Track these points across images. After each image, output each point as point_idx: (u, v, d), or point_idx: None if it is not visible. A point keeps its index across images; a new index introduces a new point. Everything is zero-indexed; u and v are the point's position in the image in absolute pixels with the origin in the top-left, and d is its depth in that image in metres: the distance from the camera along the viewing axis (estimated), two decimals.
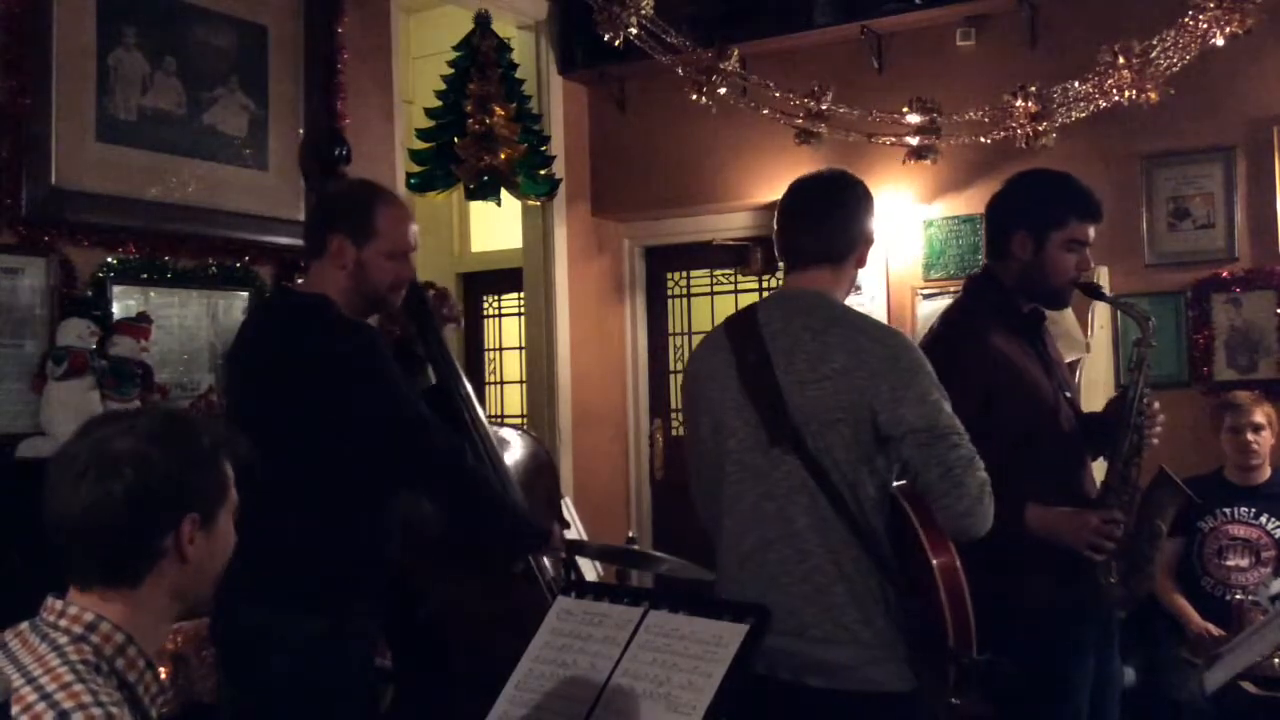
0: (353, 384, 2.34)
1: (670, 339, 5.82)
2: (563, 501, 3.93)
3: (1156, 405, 2.65)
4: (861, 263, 2.35)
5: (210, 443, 1.50)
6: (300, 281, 2.67)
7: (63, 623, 1.42)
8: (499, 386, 6.58)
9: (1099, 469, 2.72)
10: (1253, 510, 3.78)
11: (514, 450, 3.05)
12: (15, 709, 1.32)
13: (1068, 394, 2.70)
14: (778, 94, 4.72)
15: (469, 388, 2.87)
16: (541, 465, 3.16)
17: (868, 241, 2.34)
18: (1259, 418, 3.79)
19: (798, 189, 2.36)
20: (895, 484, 2.22)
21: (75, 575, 1.46)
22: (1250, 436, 3.78)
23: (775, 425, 2.16)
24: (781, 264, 2.38)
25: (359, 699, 2.44)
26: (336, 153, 2.98)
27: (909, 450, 2.12)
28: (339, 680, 2.36)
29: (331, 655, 2.34)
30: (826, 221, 2.31)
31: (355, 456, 2.36)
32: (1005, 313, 2.65)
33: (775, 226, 2.38)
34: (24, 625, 1.47)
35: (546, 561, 2.77)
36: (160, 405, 1.43)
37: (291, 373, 2.36)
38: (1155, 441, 2.64)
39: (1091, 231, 2.66)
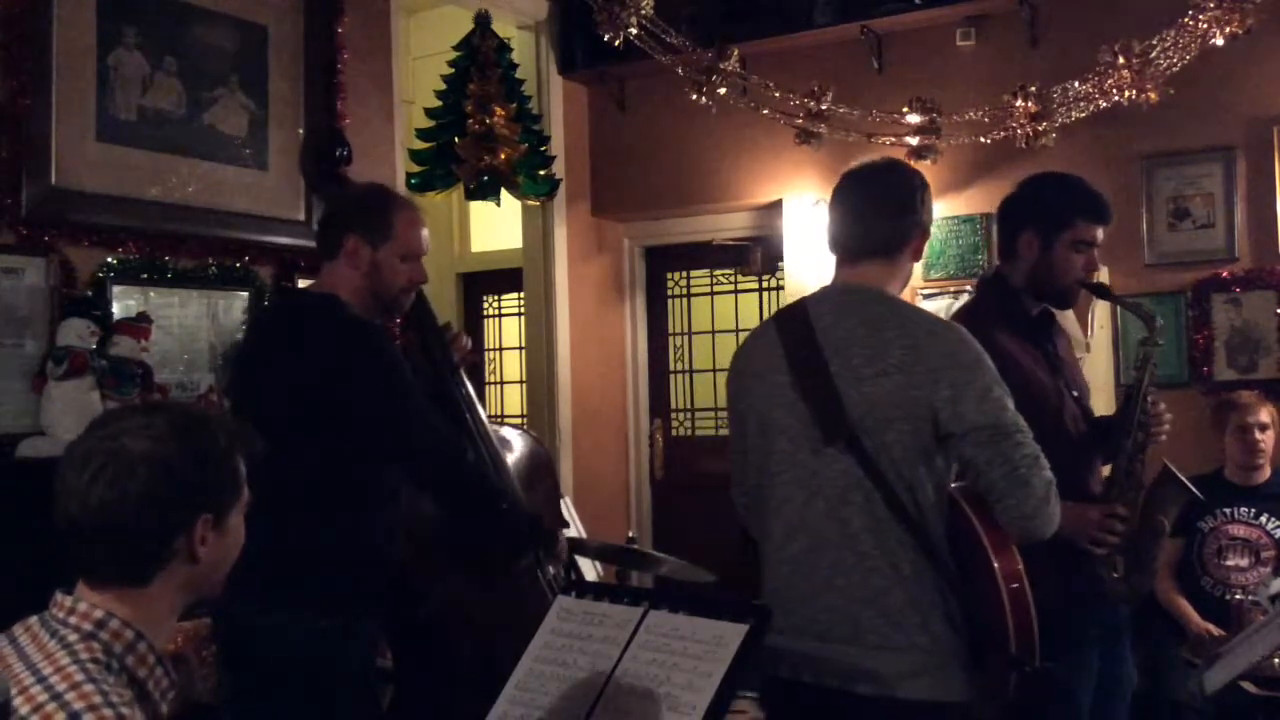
0: (361, 382, 2.35)
1: (670, 339, 5.82)
2: (563, 501, 3.94)
3: (1163, 406, 2.67)
4: (917, 255, 2.25)
5: (226, 442, 1.49)
6: (310, 284, 2.68)
7: (72, 620, 1.41)
8: (499, 386, 6.58)
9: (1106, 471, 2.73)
10: (1253, 510, 3.78)
11: (514, 450, 3.05)
12: (25, 708, 1.32)
13: (1075, 394, 2.71)
14: (778, 94, 4.72)
15: (470, 388, 2.88)
16: (542, 465, 3.16)
17: (924, 233, 2.25)
18: (1264, 417, 3.80)
19: (850, 179, 2.28)
20: (954, 485, 2.13)
21: (85, 572, 1.45)
22: (1257, 436, 3.77)
23: (830, 423, 2.07)
24: (832, 255, 2.28)
25: (360, 698, 2.44)
26: (337, 153, 2.97)
27: (971, 449, 2.03)
28: (339, 679, 2.36)
29: (332, 654, 2.34)
30: (881, 212, 2.21)
31: (359, 455, 2.37)
32: (1012, 313, 2.67)
33: (828, 216, 2.29)
34: (33, 620, 1.47)
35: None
36: (175, 402, 1.43)
37: (299, 370, 2.37)
38: (1163, 438, 2.66)
39: (1100, 233, 2.68)
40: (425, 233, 2.57)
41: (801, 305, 2.24)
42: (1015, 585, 2.02)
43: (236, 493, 1.51)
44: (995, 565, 2.02)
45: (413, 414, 2.42)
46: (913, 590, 2.04)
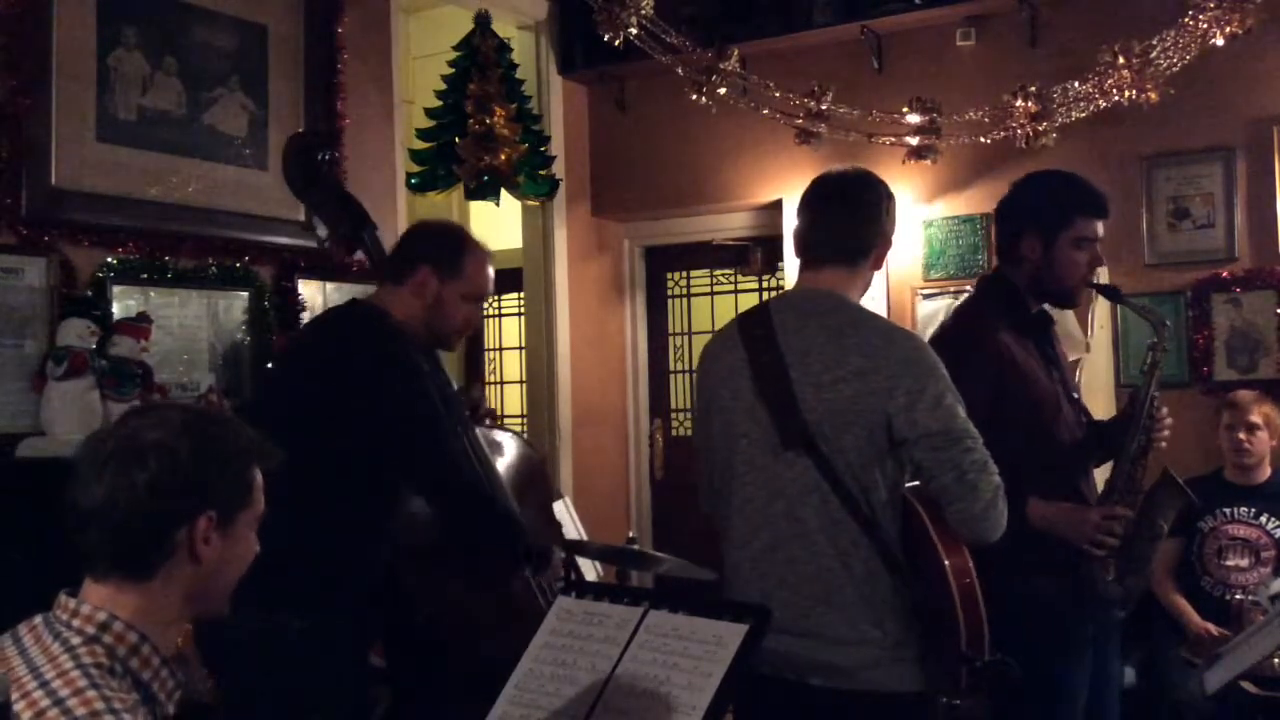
0: (395, 400, 2.40)
1: (670, 339, 5.82)
2: (563, 501, 3.93)
3: (1165, 409, 2.67)
4: (878, 264, 2.32)
5: (240, 446, 1.51)
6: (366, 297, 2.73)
7: (75, 622, 1.42)
8: (499, 386, 6.58)
9: (1101, 473, 2.73)
10: (1253, 510, 3.78)
11: (506, 455, 3.03)
12: (27, 712, 1.31)
13: (1075, 395, 2.71)
14: (778, 94, 4.72)
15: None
16: (534, 471, 3.14)
17: (886, 243, 2.31)
18: (1255, 417, 3.80)
19: (819, 186, 2.33)
20: (907, 485, 2.20)
21: (91, 564, 1.46)
22: (1243, 435, 3.78)
23: (788, 427, 2.14)
24: (797, 260, 2.35)
25: (344, 700, 2.44)
26: (319, 157, 2.97)
27: (922, 453, 2.11)
28: (322, 680, 2.36)
29: (315, 655, 2.33)
30: (846, 220, 2.27)
31: (371, 466, 2.38)
32: (1014, 313, 2.67)
33: (796, 222, 2.34)
34: (38, 620, 1.47)
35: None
36: (199, 406, 1.45)
37: (335, 372, 2.42)
38: (1163, 445, 2.66)
39: (1100, 228, 2.68)
40: (491, 275, 2.67)
41: (765, 309, 2.30)
42: (965, 581, 2.10)
43: (244, 498, 1.51)
44: (946, 563, 2.10)
45: (446, 444, 2.47)
46: (865, 587, 2.12)
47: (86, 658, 1.37)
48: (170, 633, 1.49)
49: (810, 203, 2.32)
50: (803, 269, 2.33)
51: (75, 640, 1.39)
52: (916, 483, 2.20)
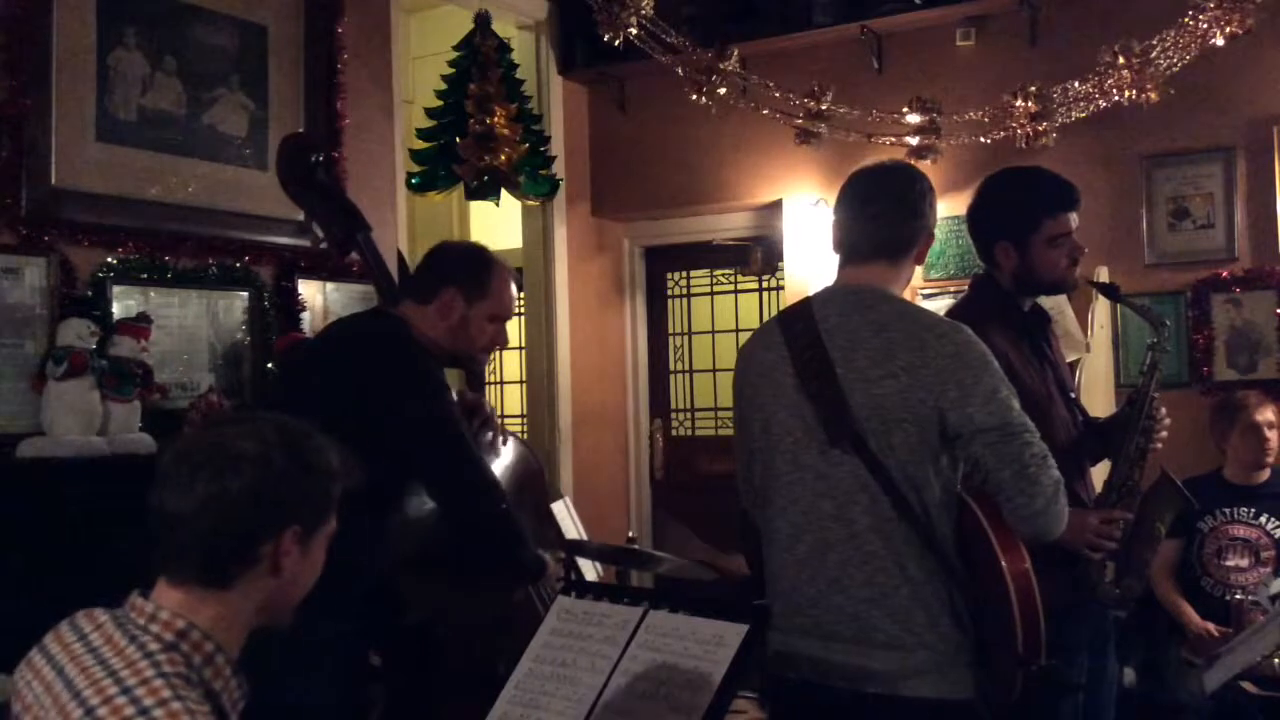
0: (415, 411, 2.42)
1: (670, 339, 5.83)
2: (563, 501, 3.93)
3: (1163, 410, 2.66)
4: (921, 259, 2.26)
5: (329, 462, 1.51)
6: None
7: (154, 628, 1.41)
8: (499, 386, 6.58)
9: (1099, 473, 2.73)
10: (1253, 510, 3.77)
11: (503, 457, 3.03)
12: (103, 708, 1.31)
13: (1072, 394, 2.71)
14: (778, 94, 4.72)
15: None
16: (531, 473, 3.14)
17: (929, 237, 2.25)
18: (1271, 415, 3.79)
19: (857, 180, 2.28)
20: (961, 484, 2.13)
21: (170, 568, 1.46)
22: (1268, 434, 3.75)
23: (835, 425, 2.07)
24: (836, 255, 2.28)
25: (339, 699, 2.44)
26: (312, 159, 2.97)
27: (979, 449, 2.03)
28: (315, 679, 2.36)
29: (307, 654, 2.33)
30: (887, 216, 2.21)
31: (380, 474, 2.39)
32: (1006, 312, 2.65)
33: (833, 218, 2.29)
34: (103, 617, 1.47)
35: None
36: (286, 417, 1.46)
37: (353, 377, 2.44)
38: (1159, 446, 2.66)
39: (1073, 219, 2.64)
40: (515, 296, 2.70)
41: (806, 305, 2.23)
42: (1023, 583, 2.02)
43: (326, 514, 1.52)
44: (1003, 564, 2.01)
45: (464, 453, 2.48)
46: (919, 590, 2.04)
47: (167, 666, 1.36)
48: (238, 641, 1.48)
49: (849, 199, 2.26)
50: (843, 265, 2.26)
51: (154, 646, 1.39)
52: (969, 482, 2.13)
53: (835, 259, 2.29)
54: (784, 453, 2.16)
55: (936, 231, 4.69)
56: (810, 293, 2.33)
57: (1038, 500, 2.02)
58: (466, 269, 2.62)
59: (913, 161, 4.54)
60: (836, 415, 2.07)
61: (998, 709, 2.06)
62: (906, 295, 5.07)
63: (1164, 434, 2.67)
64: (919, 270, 4.76)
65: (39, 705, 1.41)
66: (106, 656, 1.38)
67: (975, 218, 2.74)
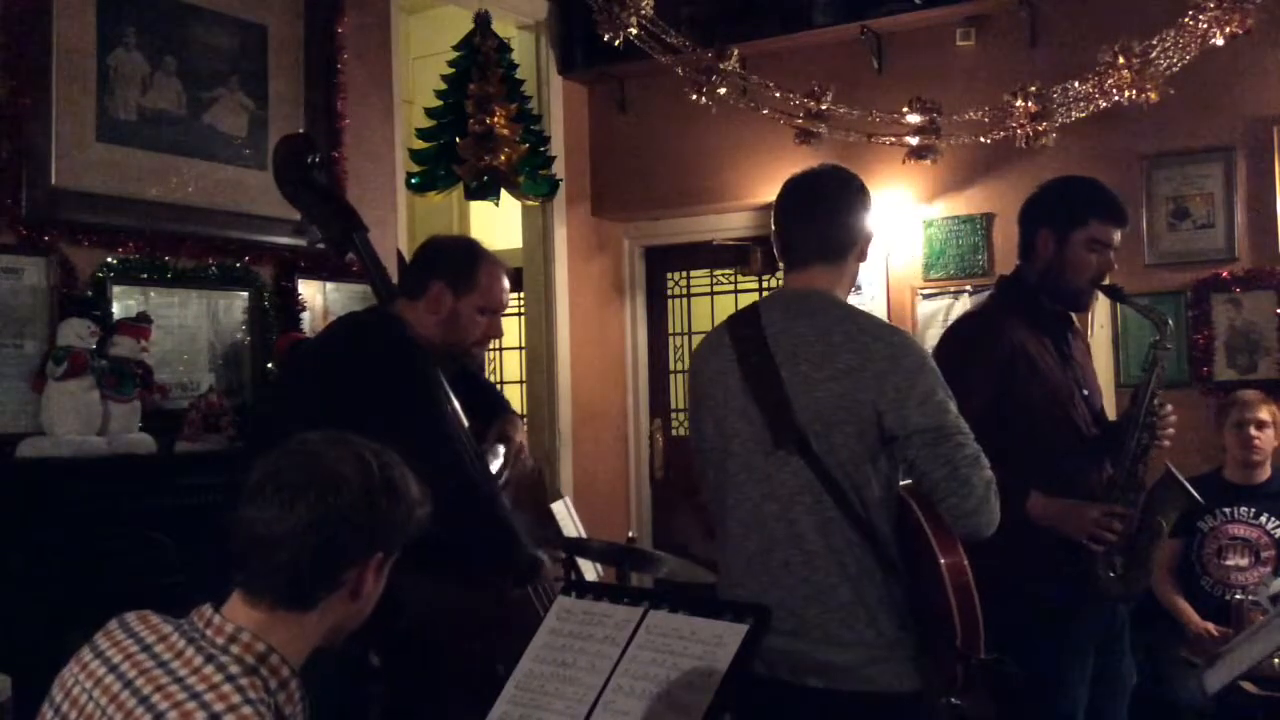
0: (409, 405, 2.42)
1: (670, 339, 5.83)
2: (563, 501, 3.93)
3: (1169, 407, 2.70)
4: (862, 258, 2.32)
5: (414, 491, 1.52)
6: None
7: (234, 649, 1.40)
8: (499, 387, 6.57)
9: None
10: (1253, 510, 3.78)
11: (501, 460, 3.03)
12: None
13: (1086, 393, 2.73)
14: (778, 94, 4.72)
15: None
16: (530, 475, 3.14)
17: (867, 237, 2.31)
18: (1264, 415, 3.80)
19: (791, 187, 2.34)
20: (901, 484, 2.19)
21: (253, 588, 1.44)
22: (1254, 432, 3.78)
23: (779, 427, 2.14)
24: (781, 263, 2.36)
25: (335, 699, 2.43)
26: (309, 159, 2.97)
27: (914, 450, 2.10)
28: (308, 678, 2.36)
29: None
30: (822, 218, 2.27)
31: None
32: (1029, 309, 2.72)
33: (772, 225, 2.36)
34: (167, 628, 1.45)
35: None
36: (369, 442, 1.45)
37: (347, 375, 2.44)
38: (1166, 443, 2.68)
39: (1116, 235, 2.74)
40: (507, 288, 2.68)
41: (754, 309, 2.30)
42: (960, 579, 2.09)
43: (401, 545, 1.53)
44: (942, 562, 2.09)
45: (454, 452, 2.48)
46: (859, 587, 2.11)
47: (251, 692, 1.35)
48: (302, 662, 1.47)
49: (784, 206, 2.33)
50: (787, 270, 2.33)
51: (234, 669, 1.37)
52: (910, 481, 2.19)
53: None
54: (734, 455, 2.23)
55: (936, 232, 4.83)
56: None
57: (969, 500, 2.07)
58: (453, 262, 2.62)
59: (912, 161, 4.55)
60: (781, 418, 2.14)
61: (948, 701, 2.14)
62: (906, 294, 5.12)
63: (1170, 431, 2.70)
64: (918, 270, 4.86)
65: (96, 708, 1.39)
66: (184, 675, 1.36)
67: (1028, 205, 2.84)
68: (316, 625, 1.46)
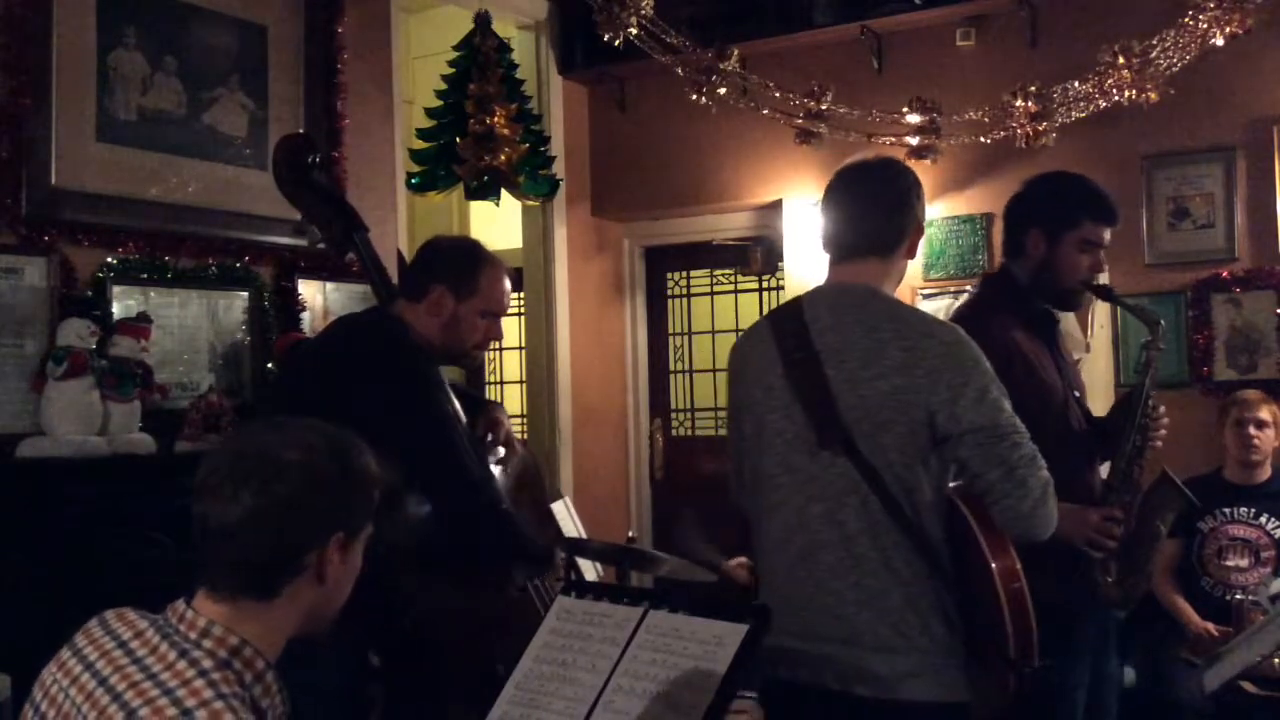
0: (410, 409, 2.42)
1: (670, 339, 5.83)
2: (563, 501, 3.93)
3: (1162, 409, 2.67)
4: (911, 253, 2.23)
5: (369, 467, 1.50)
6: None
7: (206, 643, 1.39)
8: (499, 386, 6.58)
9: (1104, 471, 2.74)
10: (1252, 510, 3.78)
11: (501, 454, 3.03)
12: None
13: (1077, 394, 2.72)
14: (778, 94, 4.72)
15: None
16: (530, 473, 3.14)
17: (918, 231, 2.22)
18: (1264, 414, 3.80)
19: (842, 177, 2.25)
20: (951, 485, 2.11)
21: (214, 581, 1.44)
22: (1253, 431, 3.78)
23: (825, 426, 2.05)
24: (826, 255, 2.26)
25: (330, 699, 2.44)
26: (309, 159, 2.97)
27: (968, 450, 2.01)
28: (302, 678, 2.35)
29: (292, 652, 2.33)
30: (874, 211, 2.19)
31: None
32: (1020, 307, 2.67)
33: (821, 217, 2.28)
34: (143, 624, 1.44)
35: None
36: (320, 423, 1.45)
37: (348, 380, 2.43)
38: (1159, 445, 2.66)
39: (1106, 234, 2.69)
40: (508, 290, 2.66)
41: (797, 305, 2.22)
42: (1014, 586, 2.00)
43: (367, 520, 1.52)
44: (993, 567, 2.00)
45: (457, 452, 2.47)
46: (911, 592, 2.03)
47: (224, 686, 1.34)
48: (279, 651, 1.46)
49: (836, 196, 2.24)
50: (833, 263, 2.24)
51: (207, 664, 1.36)
52: (959, 483, 2.11)
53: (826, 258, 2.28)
54: (774, 454, 2.14)
55: (936, 232, 4.83)
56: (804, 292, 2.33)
57: (1025, 502, 2.01)
58: (454, 265, 2.59)
59: (912, 161, 4.55)
60: (826, 417, 2.05)
61: (993, 711, 2.05)
62: (906, 294, 5.11)
63: (1163, 433, 2.68)
64: (918, 270, 4.86)
65: (71, 706, 1.38)
66: (157, 671, 1.35)
67: (1016, 201, 2.76)
68: (286, 613, 1.45)
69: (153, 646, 1.39)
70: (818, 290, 2.26)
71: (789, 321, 2.18)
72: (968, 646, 2.05)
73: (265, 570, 1.42)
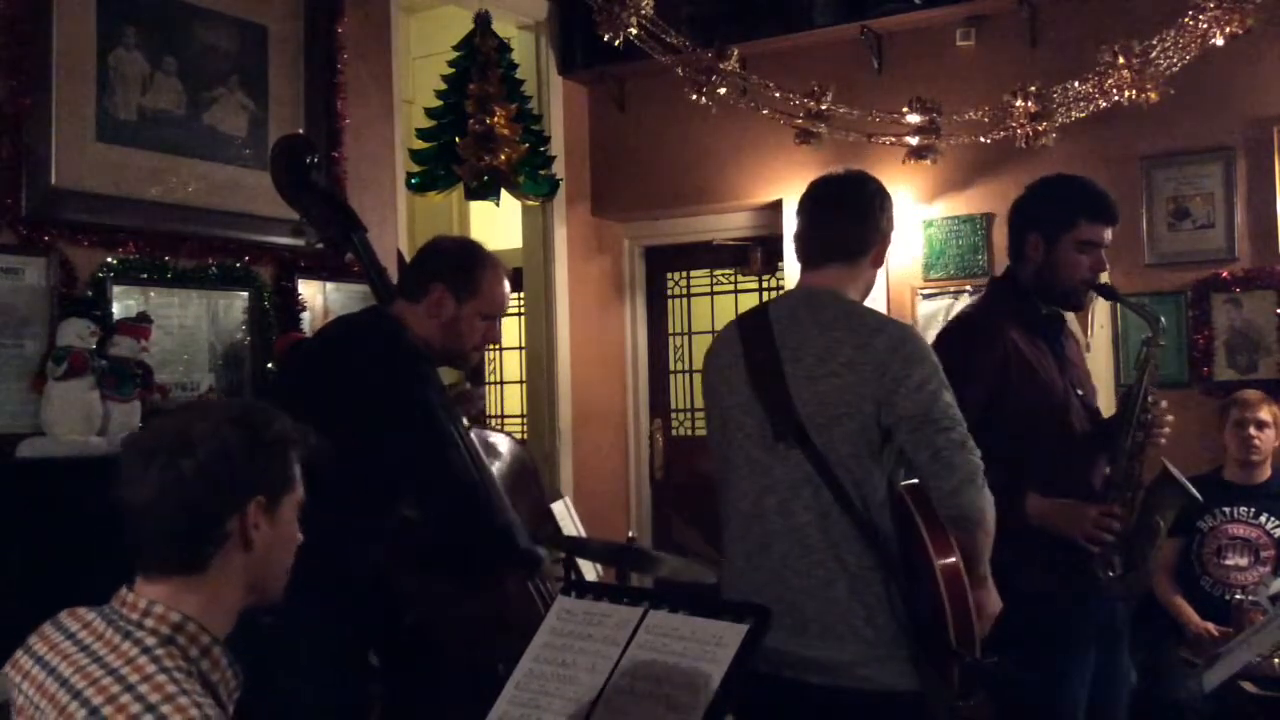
0: (405, 411, 2.41)
1: (670, 339, 5.82)
2: (563, 501, 3.93)
3: (1165, 405, 2.70)
4: (878, 262, 2.35)
5: (282, 430, 1.51)
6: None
7: (149, 622, 1.41)
8: (499, 386, 6.58)
9: None
10: (1252, 510, 3.78)
11: (500, 457, 3.04)
12: (108, 709, 1.30)
13: (1080, 392, 2.74)
14: (778, 94, 4.72)
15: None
16: (527, 472, 3.14)
17: (884, 241, 2.35)
18: (1264, 415, 3.80)
19: (815, 189, 2.38)
20: (903, 483, 2.21)
21: (145, 563, 1.46)
22: (1254, 432, 3.78)
23: (780, 420, 2.16)
24: (798, 262, 2.39)
25: (329, 698, 2.43)
26: (307, 160, 2.96)
27: (903, 436, 2.12)
28: (300, 677, 2.35)
29: (289, 651, 2.32)
30: (842, 221, 2.31)
31: (371, 472, 2.39)
32: (1024, 311, 2.72)
33: (795, 226, 2.39)
34: (90, 615, 1.46)
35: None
36: (237, 399, 1.50)
37: (346, 376, 2.44)
38: (1162, 442, 2.68)
39: (1106, 234, 2.74)
40: (508, 292, 2.67)
41: (763, 308, 2.34)
42: (952, 578, 2.10)
43: (289, 482, 1.52)
44: (935, 562, 2.10)
45: (452, 452, 2.47)
46: (858, 583, 2.12)
47: (167, 661, 1.36)
48: (228, 624, 1.48)
49: (807, 206, 2.37)
50: (803, 270, 2.36)
51: (150, 641, 1.38)
52: (914, 481, 2.20)
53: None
54: (738, 448, 2.26)
55: (936, 232, 4.83)
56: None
57: (949, 481, 2.08)
58: (454, 266, 2.59)
59: (912, 161, 4.55)
60: (782, 411, 2.17)
61: (946, 701, 2.13)
62: (906, 294, 5.12)
63: (1166, 430, 2.70)
64: (919, 270, 4.85)
65: (32, 706, 1.40)
66: (103, 655, 1.37)
67: (1016, 209, 2.83)
68: (221, 585, 1.46)
69: (99, 633, 1.41)
70: (785, 294, 2.41)
71: (755, 323, 2.31)
72: (915, 638, 2.13)
73: (186, 541, 1.44)
